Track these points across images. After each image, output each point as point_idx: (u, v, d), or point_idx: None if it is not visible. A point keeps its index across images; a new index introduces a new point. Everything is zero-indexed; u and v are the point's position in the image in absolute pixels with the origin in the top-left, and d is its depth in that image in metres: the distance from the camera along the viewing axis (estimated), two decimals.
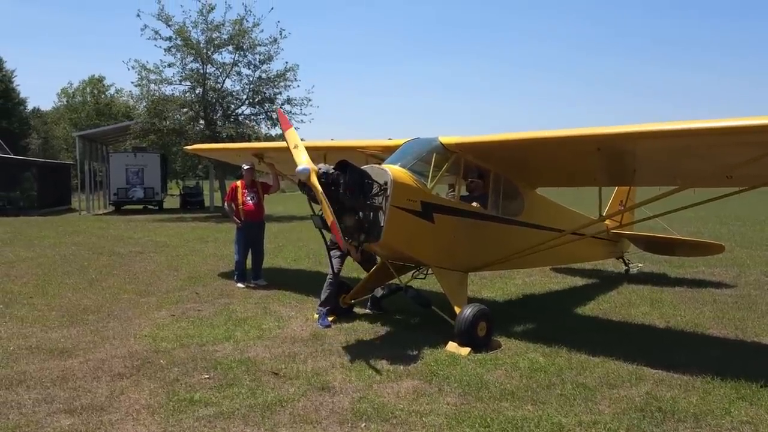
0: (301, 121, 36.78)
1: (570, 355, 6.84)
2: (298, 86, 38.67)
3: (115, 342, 7.40)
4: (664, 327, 8.38)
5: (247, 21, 29.36)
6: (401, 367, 6.43)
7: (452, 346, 7.05)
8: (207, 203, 39.48)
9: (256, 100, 30.43)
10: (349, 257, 8.63)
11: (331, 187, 6.79)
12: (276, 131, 30.86)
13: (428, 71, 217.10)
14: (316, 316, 8.39)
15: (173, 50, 29.37)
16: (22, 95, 74.69)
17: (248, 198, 11.15)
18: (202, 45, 29.28)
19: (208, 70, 29.87)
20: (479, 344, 7.03)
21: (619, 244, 11.66)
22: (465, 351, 6.91)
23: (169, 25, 28.97)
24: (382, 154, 8.84)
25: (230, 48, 29.70)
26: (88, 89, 77.26)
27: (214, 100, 29.98)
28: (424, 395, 5.69)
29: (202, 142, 24.78)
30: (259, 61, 30.18)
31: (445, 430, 4.98)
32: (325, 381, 6.03)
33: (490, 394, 5.69)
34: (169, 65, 29.56)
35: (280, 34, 30.14)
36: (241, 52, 29.82)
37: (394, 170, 7.28)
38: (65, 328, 8.03)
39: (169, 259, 14.60)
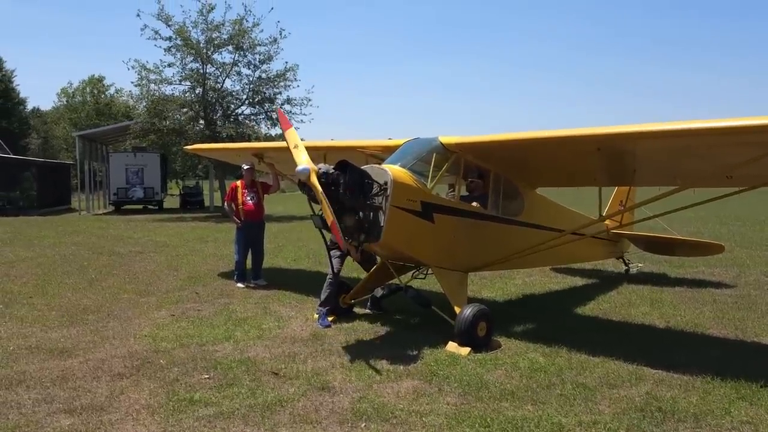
0: (301, 121, 36.80)
1: (570, 355, 6.84)
2: (298, 86, 38.69)
3: (114, 342, 7.40)
4: (664, 327, 8.38)
5: (247, 21, 29.43)
6: (401, 367, 6.43)
7: (452, 346, 7.05)
8: (207, 203, 39.50)
9: (256, 100, 30.45)
10: (349, 257, 8.63)
11: (331, 187, 6.79)
12: (276, 131, 30.89)
13: (428, 71, 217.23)
14: (316, 316, 8.39)
15: (173, 50, 29.41)
16: (21, 95, 74.86)
17: (248, 198, 11.15)
18: (202, 45, 29.29)
19: (208, 70, 29.91)
20: (479, 344, 7.03)
21: (619, 244, 11.66)
22: (465, 351, 6.91)
23: (169, 25, 29.02)
24: (382, 154, 8.84)
25: (230, 48, 29.73)
26: (87, 89, 77.27)
27: (214, 100, 30.00)
28: (424, 395, 5.69)
29: (202, 142, 24.78)
30: (259, 61, 30.22)
31: (445, 430, 4.98)
32: (325, 381, 6.03)
33: (490, 394, 5.69)
34: (169, 65, 29.62)
35: (280, 34, 30.21)
36: (241, 52, 29.85)
37: (394, 170, 7.28)
38: (65, 328, 8.03)
39: (169, 259, 14.60)
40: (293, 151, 7.12)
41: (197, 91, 29.82)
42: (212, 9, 29.06)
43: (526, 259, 8.62)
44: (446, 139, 7.91)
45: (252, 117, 31.05)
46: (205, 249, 16.63)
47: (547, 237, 8.46)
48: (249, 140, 27.15)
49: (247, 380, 6.06)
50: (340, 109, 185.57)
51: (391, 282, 8.61)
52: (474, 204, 8.25)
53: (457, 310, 7.31)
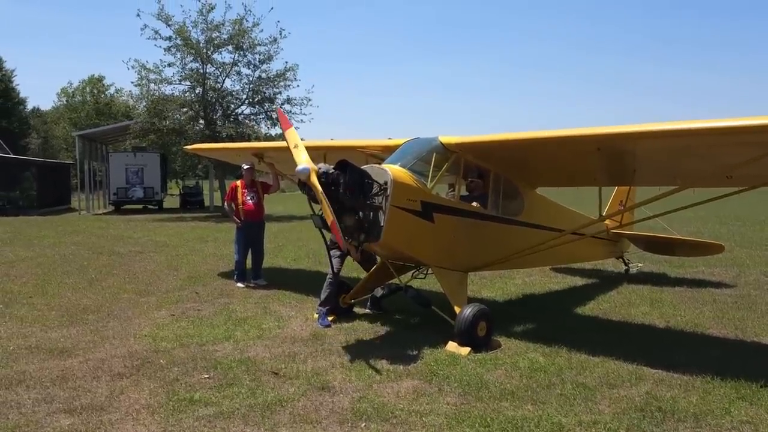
0: (301, 120, 36.80)
1: (570, 355, 6.84)
2: (298, 86, 38.67)
3: (114, 342, 7.40)
4: (664, 327, 8.38)
5: (246, 21, 29.41)
6: (401, 367, 6.43)
7: (452, 346, 7.05)
8: (207, 203, 39.50)
9: (256, 99, 30.45)
10: (349, 257, 8.63)
11: (331, 187, 6.78)
12: (276, 131, 30.89)
13: (428, 71, 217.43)
14: (316, 315, 8.39)
15: (173, 50, 29.41)
16: (21, 95, 74.84)
17: (248, 198, 11.15)
18: (201, 45, 29.29)
19: (207, 70, 29.91)
20: (479, 344, 7.03)
21: (619, 244, 11.66)
22: (465, 351, 6.91)
23: (168, 25, 29.01)
24: (382, 153, 8.84)
25: (230, 48, 29.72)
26: (87, 89, 77.21)
27: (213, 100, 29.99)
28: (424, 395, 5.69)
29: (202, 142, 24.78)
30: (259, 61, 30.22)
31: (445, 430, 4.98)
32: (325, 381, 6.03)
33: (490, 394, 5.69)
34: (169, 65, 29.62)
35: (280, 33, 30.21)
36: (241, 52, 29.85)
37: (394, 170, 7.28)
38: (65, 328, 8.03)
39: (169, 259, 14.60)
40: (293, 150, 7.12)
41: (197, 91, 29.82)
42: (212, 9, 29.10)
43: (526, 259, 8.62)
44: (446, 138, 7.90)
45: (252, 117, 31.08)
46: (205, 249, 16.63)
47: (547, 237, 8.46)
48: (249, 140, 27.14)
49: (247, 380, 6.06)
50: (340, 109, 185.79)
51: (391, 282, 8.61)
52: (474, 204, 8.24)
53: (457, 309, 7.31)
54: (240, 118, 30.69)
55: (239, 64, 30.15)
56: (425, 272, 8.61)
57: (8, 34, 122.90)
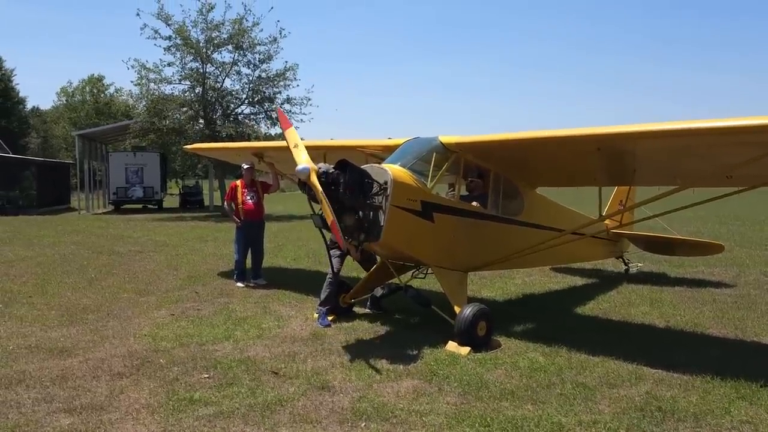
0: (301, 120, 36.74)
1: (570, 355, 6.84)
2: (298, 86, 38.81)
3: (114, 341, 7.40)
4: (664, 327, 8.38)
5: (246, 20, 29.42)
6: (401, 367, 6.43)
7: (452, 346, 7.05)
8: (206, 202, 39.55)
9: (256, 99, 30.45)
10: (349, 257, 8.63)
11: (331, 187, 6.78)
12: (276, 130, 30.88)
13: (428, 71, 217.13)
14: (316, 315, 8.39)
15: (173, 49, 29.42)
16: (21, 94, 74.87)
17: (248, 197, 11.15)
18: (201, 44, 29.29)
19: (207, 70, 29.92)
20: (479, 344, 7.03)
21: (619, 244, 11.66)
22: (465, 350, 6.91)
23: (168, 25, 29.02)
24: (382, 153, 8.84)
25: (230, 47, 29.73)
26: (87, 88, 77.25)
27: (213, 100, 30.00)
28: (424, 395, 5.69)
29: (202, 142, 24.79)
30: (259, 61, 30.24)
31: (445, 430, 4.98)
32: (325, 380, 6.03)
33: (490, 394, 5.69)
34: (169, 64, 29.62)
35: (280, 33, 30.23)
36: (241, 52, 29.85)
37: (394, 170, 7.28)
38: (65, 328, 8.03)
39: (169, 259, 14.60)
40: (293, 150, 7.12)
41: (197, 91, 29.82)
42: (212, 8, 29.10)
43: (526, 258, 8.62)
44: (446, 138, 7.90)
45: (252, 116, 31.09)
46: (204, 248, 16.63)
47: (547, 237, 8.46)
48: (249, 140, 27.16)
49: (247, 380, 6.06)
50: (340, 108, 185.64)
51: (390, 281, 8.61)
52: (474, 204, 8.24)
53: (456, 309, 7.31)
54: (240, 117, 30.70)
55: (239, 63, 30.22)
56: (425, 272, 8.61)
57: (8, 33, 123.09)
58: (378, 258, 8.74)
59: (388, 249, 7.66)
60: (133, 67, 29.55)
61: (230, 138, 27.15)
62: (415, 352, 6.91)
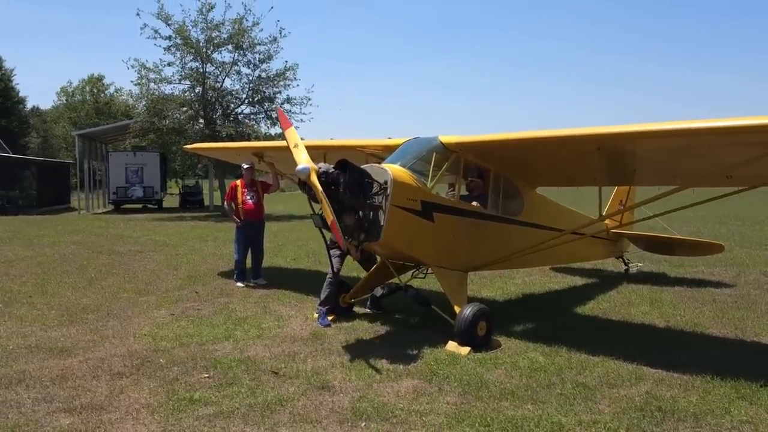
0: (301, 120, 36.76)
1: (570, 355, 6.84)
2: (298, 85, 38.85)
3: (114, 341, 7.40)
4: (664, 326, 8.38)
5: (246, 20, 29.41)
6: (401, 367, 6.43)
7: (452, 346, 7.05)
8: (206, 202, 39.54)
9: (256, 99, 30.45)
10: (349, 256, 8.63)
11: (331, 187, 6.78)
12: (276, 130, 30.88)
13: (428, 71, 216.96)
14: (316, 315, 8.39)
15: (173, 49, 29.42)
16: (21, 94, 74.88)
17: (248, 197, 11.15)
18: (201, 44, 29.30)
19: (207, 69, 29.92)
20: (479, 343, 7.03)
21: (619, 244, 11.66)
22: (465, 350, 6.91)
23: (168, 24, 29.02)
24: (382, 153, 8.84)
25: (230, 47, 29.73)
26: (87, 88, 77.26)
27: (213, 99, 30.00)
28: (424, 394, 5.69)
29: (202, 141, 24.79)
30: (259, 60, 30.25)
31: (445, 430, 4.98)
32: (325, 380, 6.03)
33: (490, 394, 5.69)
34: (169, 64, 29.62)
35: (280, 33, 30.24)
36: (241, 51, 29.86)
37: (394, 169, 7.28)
38: (65, 327, 8.02)
39: (169, 258, 14.60)
40: (293, 150, 7.12)
41: (197, 90, 29.82)
42: (212, 8, 29.11)
43: (525, 258, 8.62)
44: (446, 138, 7.90)
45: (252, 116, 31.08)
46: (204, 248, 16.63)
47: (546, 236, 8.46)
48: (249, 139, 27.16)
49: (247, 379, 6.05)
50: (339, 108, 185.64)
51: (390, 281, 8.61)
52: (474, 203, 8.24)
53: (456, 309, 7.31)
54: (240, 117, 30.70)
55: (239, 63, 30.22)
56: (425, 272, 8.61)
57: (8, 33, 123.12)
58: (378, 258, 8.74)
59: (388, 249, 7.66)
60: (133, 66, 29.60)
61: (230, 138, 27.15)
62: (415, 352, 6.91)
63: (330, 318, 8.33)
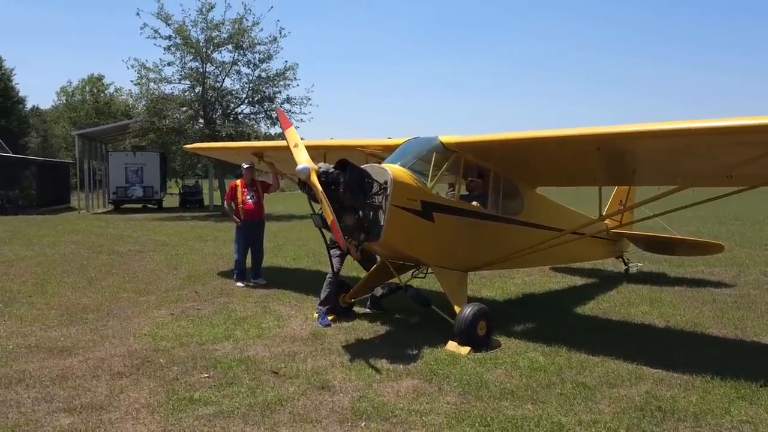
0: (301, 120, 36.72)
1: (570, 355, 6.84)
2: (298, 85, 38.87)
3: (114, 341, 7.40)
4: (664, 326, 8.38)
5: (246, 20, 29.40)
6: (401, 366, 6.43)
7: (452, 346, 7.05)
8: (206, 202, 39.55)
9: (256, 99, 30.45)
10: (349, 256, 8.64)
11: (331, 186, 6.78)
12: (276, 130, 30.87)
13: (428, 71, 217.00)
14: (316, 315, 8.39)
15: (173, 49, 29.41)
16: (21, 94, 74.86)
17: (248, 197, 11.15)
18: (201, 44, 29.28)
19: (207, 69, 29.90)
20: (479, 343, 7.03)
21: (619, 244, 11.66)
22: (465, 350, 6.91)
23: (168, 24, 29.00)
24: (382, 153, 8.83)
25: (230, 47, 29.72)
26: (87, 88, 77.22)
27: (213, 99, 29.99)
28: (424, 394, 5.69)
29: (202, 141, 24.78)
30: (259, 60, 30.24)
31: (445, 429, 4.98)
32: (325, 380, 6.03)
33: (490, 394, 5.69)
34: (169, 64, 29.60)
35: (280, 33, 30.23)
36: (241, 51, 29.85)
37: (394, 169, 7.28)
38: (64, 327, 8.02)
39: (169, 258, 14.60)
40: (293, 150, 7.11)
41: (197, 90, 29.82)
42: (212, 8, 29.09)
43: (525, 258, 8.62)
44: (446, 138, 7.90)
45: (252, 116, 31.07)
46: (204, 248, 16.63)
47: (546, 236, 8.46)
48: (249, 139, 27.16)
49: (247, 379, 6.05)
50: (340, 108, 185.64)
51: (390, 281, 8.61)
52: (474, 203, 8.24)
53: (456, 309, 7.31)
54: (240, 117, 30.70)
55: (239, 63, 30.22)
56: (425, 272, 8.61)
57: (8, 33, 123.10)
58: (378, 258, 8.74)
59: (388, 249, 7.66)
60: (132, 66, 29.59)
61: (230, 137, 27.15)
62: (415, 352, 6.91)
63: (330, 318, 8.33)
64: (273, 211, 26.99)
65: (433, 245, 7.69)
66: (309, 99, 30.31)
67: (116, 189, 37.08)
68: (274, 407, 5.36)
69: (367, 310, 8.99)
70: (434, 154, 7.77)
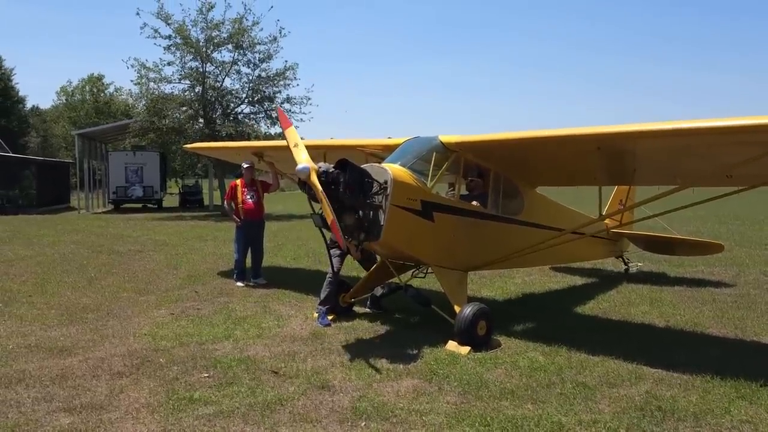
0: (301, 120, 36.69)
1: (570, 354, 6.84)
2: (298, 85, 38.86)
3: (114, 340, 7.40)
4: (664, 326, 8.38)
5: (246, 19, 29.39)
6: (401, 366, 6.43)
7: (452, 345, 7.05)
8: (206, 202, 39.56)
9: (256, 98, 30.44)
10: (349, 256, 8.63)
11: (331, 186, 6.78)
12: (275, 130, 30.87)
13: (428, 71, 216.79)
14: (316, 314, 8.39)
15: (172, 49, 29.39)
16: (21, 93, 74.83)
17: (248, 197, 11.15)
18: (201, 43, 29.27)
19: (207, 69, 29.89)
20: (479, 343, 7.03)
21: (619, 244, 11.66)
22: (465, 350, 6.91)
23: (168, 24, 28.99)
24: (382, 152, 8.83)
25: (230, 46, 29.71)
26: (87, 87, 77.23)
27: (213, 99, 29.99)
28: (424, 394, 5.69)
29: (202, 141, 24.78)
30: (259, 60, 30.23)
31: (445, 429, 4.98)
32: (325, 380, 6.03)
33: (490, 393, 5.69)
34: (169, 64, 29.59)
35: (280, 32, 30.22)
36: (241, 51, 29.84)
37: (394, 169, 7.28)
38: (64, 327, 8.02)
39: (169, 258, 14.60)
40: (293, 149, 7.11)
41: (197, 90, 29.81)
42: (212, 7, 29.08)
43: (525, 258, 8.62)
44: (446, 138, 7.90)
45: (252, 116, 31.07)
46: (204, 248, 16.62)
47: (546, 236, 8.46)
48: (249, 139, 27.15)
49: (247, 379, 6.05)
50: (340, 108, 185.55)
51: (390, 281, 8.61)
52: (474, 203, 8.24)
53: (456, 309, 7.31)
54: (240, 117, 30.69)
55: (239, 62, 30.20)
56: (425, 271, 8.61)
57: (8, 33, 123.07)
58: (378, 257, 8.74)
59: (388, 248, 7.66)
60: (132, 66, 29.58)
61: (230, 137, 27.15)
62: (415, 352, 6.91)
63: (330, 317, 8.33)
64: (273, 211, 27.00)
65: (433, 245, 7.69)
66: (309, 99, 30.36)
67: (116, 189, 37.08)
68: (274, 407, 5.36)
69: (367, 310, 8.99)
70: (434, 153, 7.77)
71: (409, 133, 8.46)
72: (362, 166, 7.25)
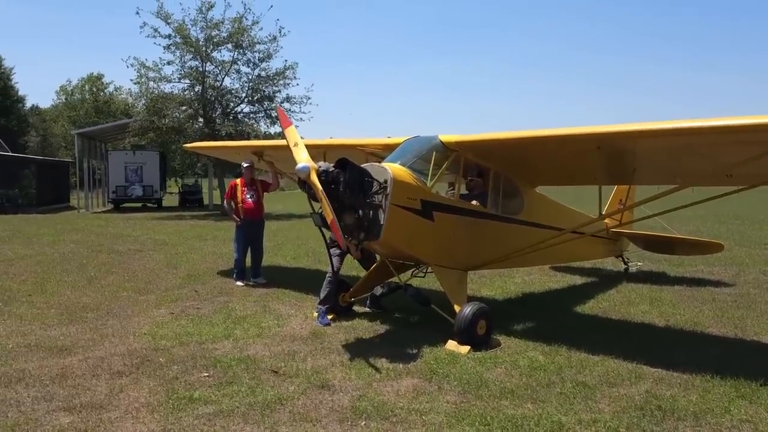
0: (301, 119, 36.67)
1: (570, 354, 6.84)
2: (298, 84, 38.82)
3: (114, 340, 7.39)
4: (664, 326, 8.38)
5: (246, 19, 29.40)
6: (401, 366, 6.43)
7: (452, 345, 7.05)
8: (206, 201, 39.58)
9: (256, 98, 30.45)
10: (349, 255, 8.63)
11: (331, 185, 6.78)
12: (275, 129, 30.89)
13: (428, 71, 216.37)
14: (316, 314, 8.39)
15: (172, 48, 29.39)
16: (20, 93, 74.82)
17: (248, 196, 11.15)
18: (201, 43, 29.27)
19: (207, 68, 29.90)
20: (479, 343, 7.03)
21: (619, 243, 11.66)
22: (465, 349, 6.91)
23: (168, 23, 28.98)
24: (382, 152, 8.83)
25: (229, 46, 29.71)
26: (86, 87, 77.19)
27: (213, 98, 29.99)
28: (423, 393, 5.69)
29: (201, 140, 24.78)
30: (259, 59, 30.22)
31: (445, 429, 4.98)
32: (325, 379, 6.03)
33: (489, 393, 5.69)
34: (168, 63, 29.60)
35: (280, 32, 30.21)
36: (241, 50, 29.84)
37: (394, 168, 7.28)
38: (64, 326, 8.02)
39: (168, 257, 14.60)
40: (293, 149, 7.11)
41: (196, 89, 29.82)
42: (212, 7, 29.08)
43: (525, 257, 8.62)
44: (446, 137, 7.90)
45: (251, 115, 31.08)
46: (204, 247, 16.62)
47: (546, 235, 8.46)
48: (248, 138, 27.14)
49: (247, 378, 6.05)
50: (340, 108, 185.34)
51: (390, 280, 8.61)
52: (474, 202, 8.24)
53: (456, 308, 7.31)
54: (239, 116, 30.70)
55: (239, 62, 30.20)
56: (425, 271, 8.61)
57: (8, 33, 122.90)
58: (378, 257, 8.74)
59: (388, 248, 7.65)
60: (132, 65, 29.57)
61: (230, 137, 27.15)
62: (414, 351, 6.91)
63: (330, 317, 8.33)
64: (273, 210, 27.00)
65: (433, 244, 7.69)
66: (309, 98, 30.38)
67: (116, 188, 37.06)
68: (274, 406, 5.36)
69: (367, 309, 8.99)
70: (434, 153, 7.77)
71: (409, 133, 8.46)
72: (362, 165, 7.25)
